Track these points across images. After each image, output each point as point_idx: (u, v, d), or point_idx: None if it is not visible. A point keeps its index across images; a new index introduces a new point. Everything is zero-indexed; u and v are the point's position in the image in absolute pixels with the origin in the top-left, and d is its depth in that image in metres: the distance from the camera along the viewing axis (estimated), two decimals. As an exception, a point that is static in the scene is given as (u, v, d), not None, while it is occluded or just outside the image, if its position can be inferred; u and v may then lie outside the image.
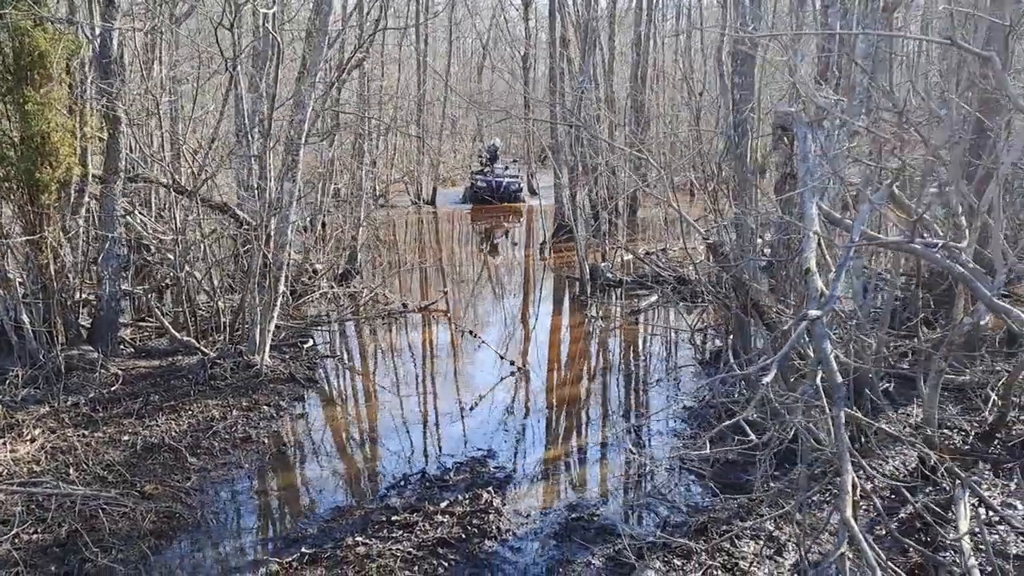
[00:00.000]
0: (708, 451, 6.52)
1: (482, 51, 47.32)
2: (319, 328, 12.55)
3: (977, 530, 6.09)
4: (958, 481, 6.61)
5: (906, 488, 6.93)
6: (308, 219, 17.51)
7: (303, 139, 10.06)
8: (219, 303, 11.38)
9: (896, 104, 8.10)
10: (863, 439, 7.87)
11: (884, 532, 6.11)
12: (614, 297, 15.02)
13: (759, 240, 10.27)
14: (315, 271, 15.27)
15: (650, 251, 18.16)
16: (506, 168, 30.27)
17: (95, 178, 10.45)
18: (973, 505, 6.47)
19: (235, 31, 10.20)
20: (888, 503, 6.84)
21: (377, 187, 29.92)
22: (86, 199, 10.51)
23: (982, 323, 8.50)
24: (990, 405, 8.32)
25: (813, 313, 4.64)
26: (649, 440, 8.50)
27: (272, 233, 10.33)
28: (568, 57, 21.83)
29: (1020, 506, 6.76)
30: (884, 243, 5.26)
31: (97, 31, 9.60)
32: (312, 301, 13.94)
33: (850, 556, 4.44)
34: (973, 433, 8.18)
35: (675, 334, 12.59)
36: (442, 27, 38.93)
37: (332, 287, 14.59)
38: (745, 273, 8.05)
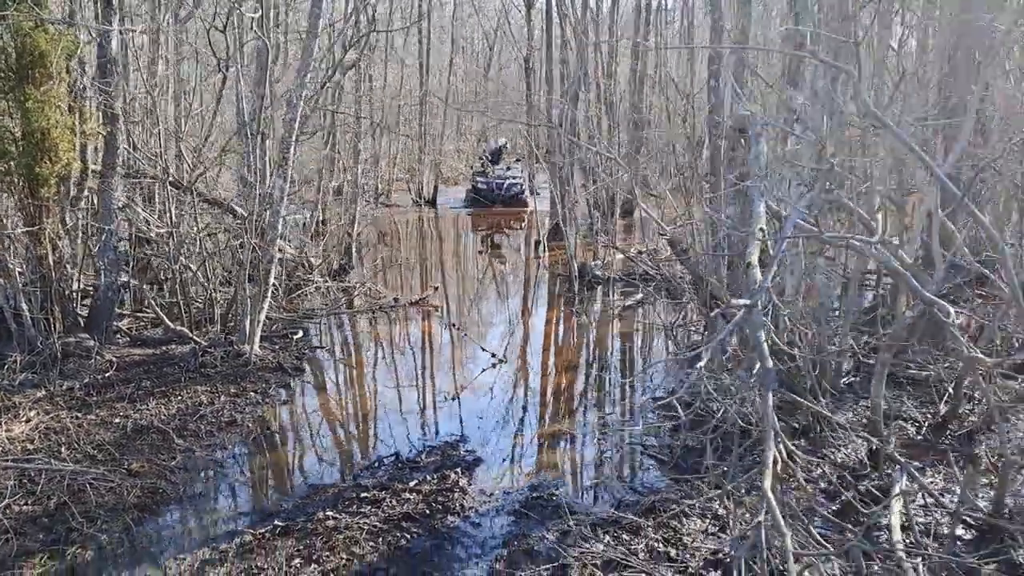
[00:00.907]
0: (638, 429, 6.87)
1: (489, 51, 47.81)
2: (311, 320, 12.95)
3: (909, 511, 6.47)
4: (898, 467, 6.98)
5: (852, 474, 7.36)
6: (309, 215, 17.96)
7: (293, 137, 10.45)
8: (214, 295, 11.79)
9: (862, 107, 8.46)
10: (819, 429, 8.25)
11: (828, 513, 6.47)
12: (601, 295, 15.37)
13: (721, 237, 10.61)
14: (311, 266, 15.69)
15: (642, 250, 18.53)
16: (508, 168, 29.18)
17: (94, 173, 10.88)
18: (912, 489, 6.84)
19: (228, 34, 10.61)
20: (835, 489, 7.16)
21: (379, 185, 30.47)
22: (85, 193, 10.96)
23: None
24: (944, 398, 8.67)
25: (736, 302, 4.99)
26: (616, 428, 8.86)
27: (264, 227, 10.74)
28: (564, 60, 22.23)
29: (959, 492, 7.08)
30: (820, 238, 5.60)
31: (95, 33, 10.02)
32: (306, 295, 14.34)
33: (767, 524, 4.79)
34: (926, 424, 8.51)
35: (656, 330, 12.93)
36: (444, 27, 39.34)
37: (326, 281, 15.00)
38: (700, 268, 8.40)
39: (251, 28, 10.38)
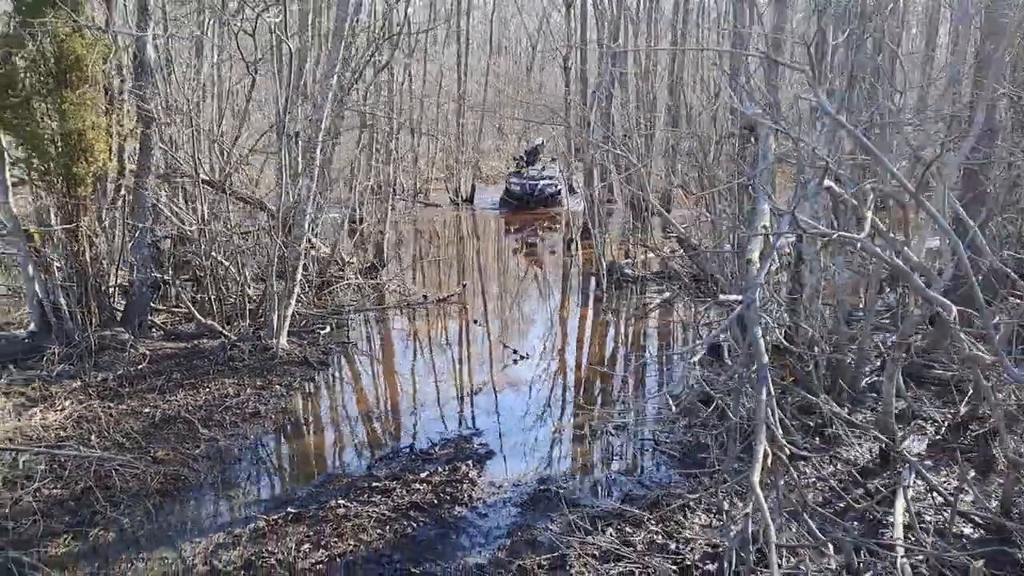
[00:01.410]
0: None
1: (531, 51, 47.96)
2: (339, 317, 13.21)
3: (918, 509, 6.46)
4: (907, 465, 6.95)
5: (862, 473, 7.34)
6: (343, 214, 18.27)
7: (319, 136, 10.71)
8: (247, 291, 12.12)
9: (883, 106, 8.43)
10: (833, 427, 8.21)
11: (835, 509, 6.48)
12: (629, 292, 15.40)
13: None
14: (344, 263, 15.99)
15: (675, 249, 18.48)
16: (543, 168, 28.05)
17: (131, 172, 11.28)
18: (924, 488, 6.81)
19: (256, 37, 10.92)
20: (845, 486, 7.14)
21: (417, 185, 30.82)
22: (122, 192, 11.36)
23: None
24: (965, 399, 8.57)
25: (725, 297, 5.06)
26: (631, 424, 8.92)
27: (292, 225, 11.04)
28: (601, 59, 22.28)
29: (968, 492, 7.02)
30: (819, 234, 5.62)
31: (131, 38, 10.39)
32: (337, 291, 14.63)
33: (756, 516, 4.85)
34: (945, 425, 8.42)
35: (682, 328, 12.95)
36: (486, 28, 39.57)
37: (357, 279, 15.28)
38: (708, 265, 8.43)
39: (272, 31, 10.62)
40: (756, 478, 4.84)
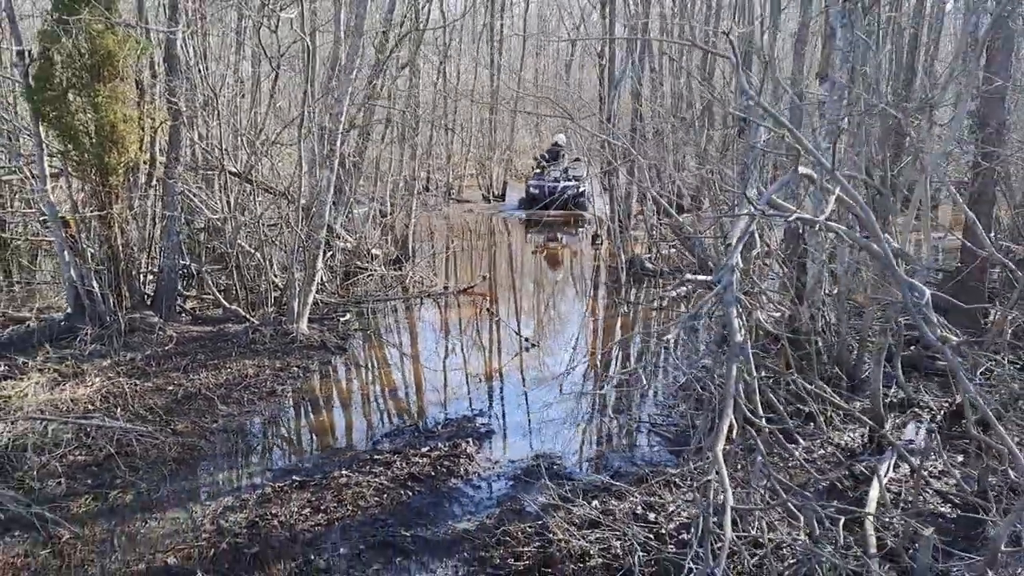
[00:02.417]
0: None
1: (570, 47, 48.15)
2: (361, 305, 13.64)
3: (896, 491, 6.66)
4: (891, 447, 7.13)
5: (851, 456, 7.52)
6: (369, 207, 18.74)
7: (340, 130, 11.12)
8: (272, 278, 12.60)
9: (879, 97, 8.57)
10: (827, 413, 8.39)
11: (817, 491, 6.69)
12: (647, 286, 15.61)
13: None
14: (370, 255, 16.45)
15: (671, 239, 18.56)
16: (565, 170, 26.09)
17: (161, 163, 11.82)
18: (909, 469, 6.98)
19: (278, 34, 11.39)
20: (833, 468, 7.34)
21: (450, 181, 31.27)
22: (153, 182, 11.91)
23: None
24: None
25: (690, 278, 5.31)
26: (630, 407, 9.18)
27: (312, 216, 11.48)
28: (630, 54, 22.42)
29: (957, 475, 7.17)
30: (793, 217, 5.82)
31: (161, 35, 10.92)
32: (360, 281, 15.08)
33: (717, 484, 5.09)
34: (941, 413, 8.54)
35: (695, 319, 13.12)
36: (527, 25, 39.84)
37: (381, 270, 15.72)
38: (699, 251, 8.65)
39: (290, 28, 11.06)
40: (719, 448, 5.09)
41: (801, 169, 6.01)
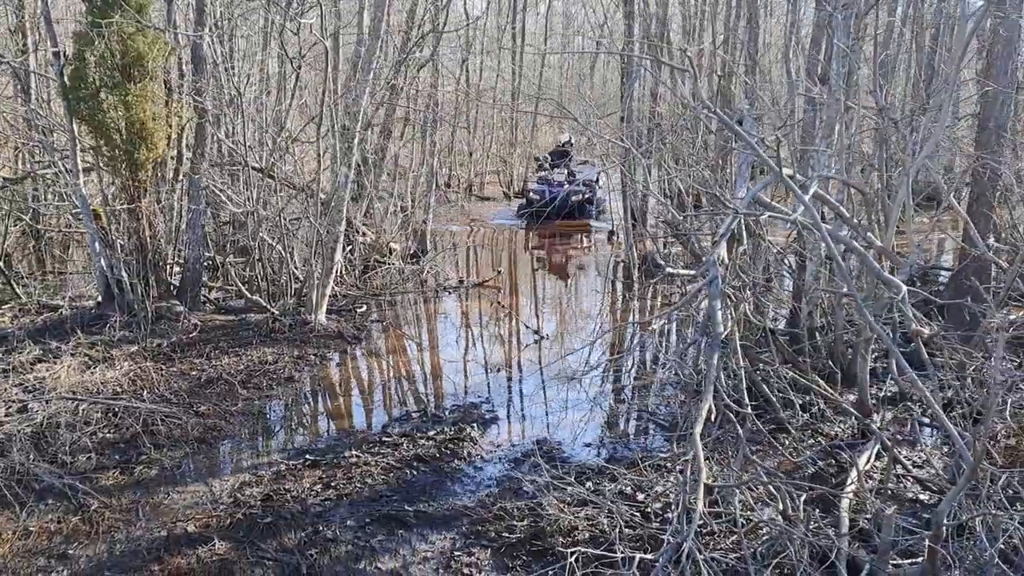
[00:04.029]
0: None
1: (594, 44, 48.30)
2: (379, 297, 14.10)
3: (879, 478, 6.98)
4: (873, 435, 7.44)
5: (838, 446, 7.84)
6: (396, 203, 19.17)
7: (357, 128, 11.57)
8: (294, 270, 13.09)
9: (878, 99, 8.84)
10: (820, 406, 8.70)
11: (803, 477, 7.03)
12: (658, 282, 15.90)
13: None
14: (390, 250, 16.92)
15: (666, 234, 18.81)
16: (569, 174, 23.48)
17: (188, 159, 12.33)
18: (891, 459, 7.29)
19: (299, 36, 11.86)
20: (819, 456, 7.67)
21: (472, 177, 31.70)
22: (180, 177, 12.44)
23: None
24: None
25: (672, 271, 5.67)
26: (636, 398, 9.55)
27: (331, 211, 11.94)
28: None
29: (937, 464, 7.47)
30: (765, 216, 6.14)
31: (188, 38, 11.43)
32: (379, 275, 15.56)
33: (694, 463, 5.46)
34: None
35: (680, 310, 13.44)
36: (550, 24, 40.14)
37: (399, 264, 16.19)
38: (694, 247, 8.98)
39: (310, 32, 11.53)
40: (697, 430, 5.47)
41: (785, 171, 6.34)
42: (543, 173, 24.08)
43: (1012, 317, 11.32)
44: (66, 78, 10.70)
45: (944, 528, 4.70)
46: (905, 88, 21.91)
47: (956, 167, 16.41)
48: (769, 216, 6.03)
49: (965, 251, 10.50)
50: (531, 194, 22.85)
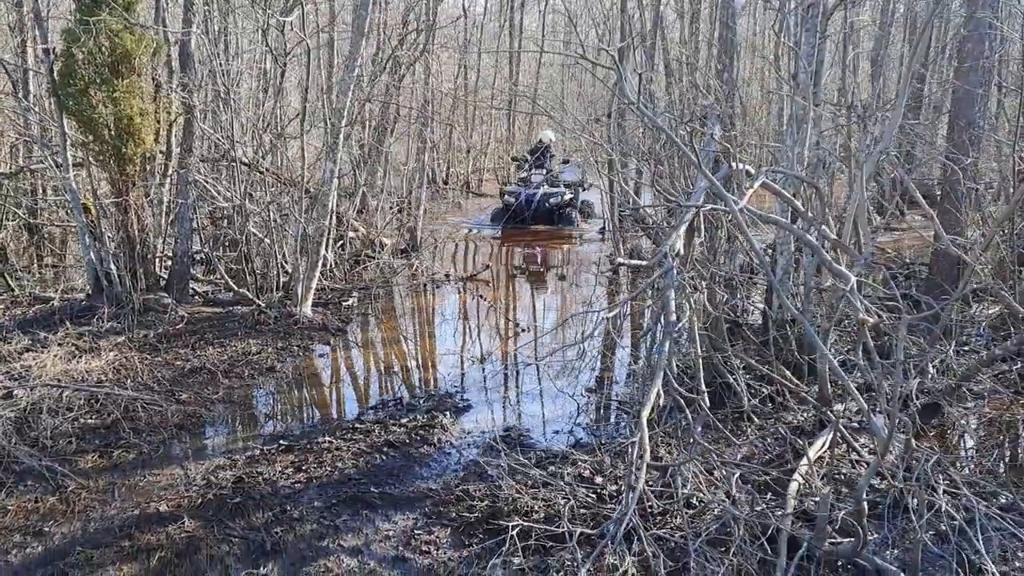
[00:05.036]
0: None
1: (596, 40, 48.45)
2: (366, 291, 14.34)
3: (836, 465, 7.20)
4: (830, 424, 7.65)
5: (797, 434, 8.05)
6: (388, 199, 19.42)
7: (342, 124, 11.80)
8: (282, 263, 13.33)
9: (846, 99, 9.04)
10: (784, 396, 8.91)
11: (761, 462, 7.24)
12: (643, 275, 16.11)
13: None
14: (382, 245, 17.17)
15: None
16: (548, 173, 21.73)
17: (176, 154, 12.58)
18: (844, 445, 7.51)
19: (284, 34, 12.10)
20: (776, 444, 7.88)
21: (469, 174, 31.99)
22: (169, 172, 12.69)
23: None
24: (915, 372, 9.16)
25: (621, 261, 5.89)
26: (610, 389, 9.77)
27: (316, 205, 12.18)
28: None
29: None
30: (709, 208, 6.33)
31: (176, 35, 11.68)
32: (368, 269, 15.80)
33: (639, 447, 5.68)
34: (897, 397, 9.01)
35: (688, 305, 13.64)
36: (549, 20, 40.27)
37: (389, 258, 16.44)
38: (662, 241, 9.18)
39: (291, 29, 11.76)
40: (644, 413, 5.69)
41: (739, 165, 6.55)
42: (523, 174, 22.15)
43: (990, 312, 11.62)
44: (56, 75, 10.95)
45: (865, 504, 4.92)
46: (874, 85, 21.99)
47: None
48: (711, 208, 6.24)
49: (936, 249, 10.73)
50: (507, 197, 20.92)
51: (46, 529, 6.23)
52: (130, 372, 9.57)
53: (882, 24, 20.41)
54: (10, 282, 13.02)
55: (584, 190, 22.29)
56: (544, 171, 21.74)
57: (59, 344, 10.19)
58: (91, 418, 8.28)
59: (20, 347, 10.01)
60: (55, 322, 11.05)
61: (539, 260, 18.73)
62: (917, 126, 14.57)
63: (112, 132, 11.10)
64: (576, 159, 23.57)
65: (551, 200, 20.37)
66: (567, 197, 20.73)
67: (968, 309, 11.28)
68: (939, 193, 10.76)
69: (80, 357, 9.84)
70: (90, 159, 11.54)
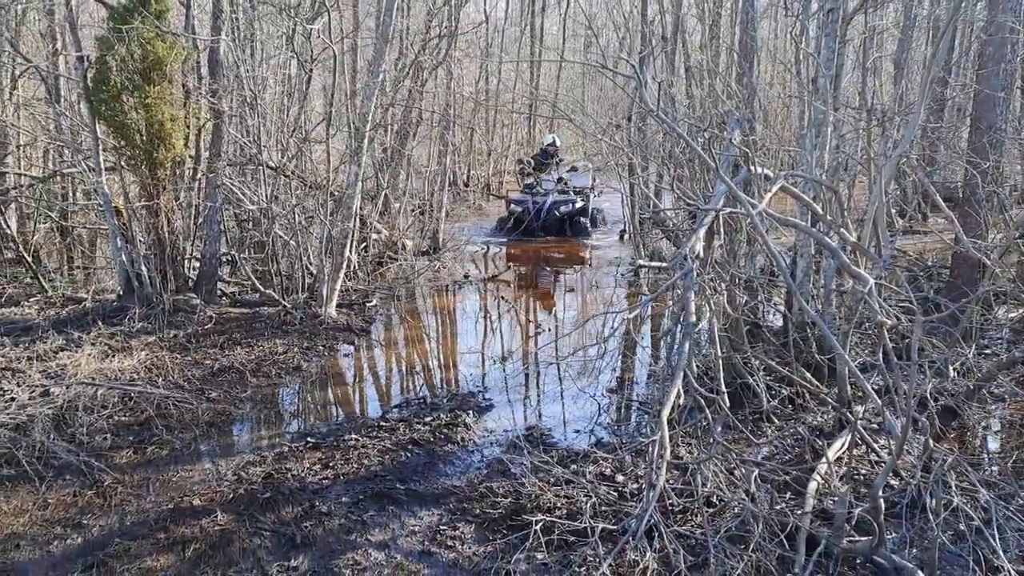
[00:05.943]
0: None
1: (617, 44, 48.61)
2: (389, 291, 14.55)
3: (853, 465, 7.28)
4: (849, 424, 7.72)
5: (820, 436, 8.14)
6: (411, 201, 19.64)
7: (367, 128, 12.00)
8: (308, 265, 13.56)
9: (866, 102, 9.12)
10: (805, 397, 8.99)
11: (781, 462, 7.33)
12: (664, 277, 16.21)
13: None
14: (404, 246, 17.39)
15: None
16: (560, 179, 20.46)
17: (205, 159, 12.86)
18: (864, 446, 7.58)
19: (311, 40, 12.34)
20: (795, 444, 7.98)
21: (489, 176, 32.18)
22: (198, 176, 12.96)
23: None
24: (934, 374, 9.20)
25: (642, 263, 6.01)
26: (631, 390, 9.88)
27: (341, 208, 12.39)
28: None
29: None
30: (727, 212, 6.44)
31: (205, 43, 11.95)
32: (391, 270, 16.01)
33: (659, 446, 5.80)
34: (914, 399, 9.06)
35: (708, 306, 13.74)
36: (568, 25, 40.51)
37: (412, 259, 16.64)
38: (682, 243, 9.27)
39: (318, 36, 11.99)
40: (664, 412, 5.80)
41: (758, 168, 6.66)
42: (529, 180, 20.73)
43: (1012, 315, 11.60)
44: (89, 81, 11.24)
45: (881, 502, 5.01)
46: (896, 89, 21.93)
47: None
48: (730, 212, 6.35)
49: (957, 252, 10.75)
50: (512, 206, 19.41)
51: (85, 522, 6.46)
52: (161, 371, 9.81)
53: (905, 27, 20.33)
54: (44, 283, 13.34)
55: (596, 196, 21.21)
56: (554, 177, 20.49)
57: (92, 343, 10.46)
58: (125, 415, 8.52)
59: (55, 346, 10.29)
60: (88, 322, 11.33)
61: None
62: (939, 129, 14.57)
63: (144, 137, 11.37)
64: (585, 164, 22.39)
65: (561, 208, 18.98)
66: (579, 205, 19.39)
67: (990, 312, 11.30)
68: (961, 196, 10.77)
69: (113, 356, 10.10)
70: (122, 163, 11.83)
